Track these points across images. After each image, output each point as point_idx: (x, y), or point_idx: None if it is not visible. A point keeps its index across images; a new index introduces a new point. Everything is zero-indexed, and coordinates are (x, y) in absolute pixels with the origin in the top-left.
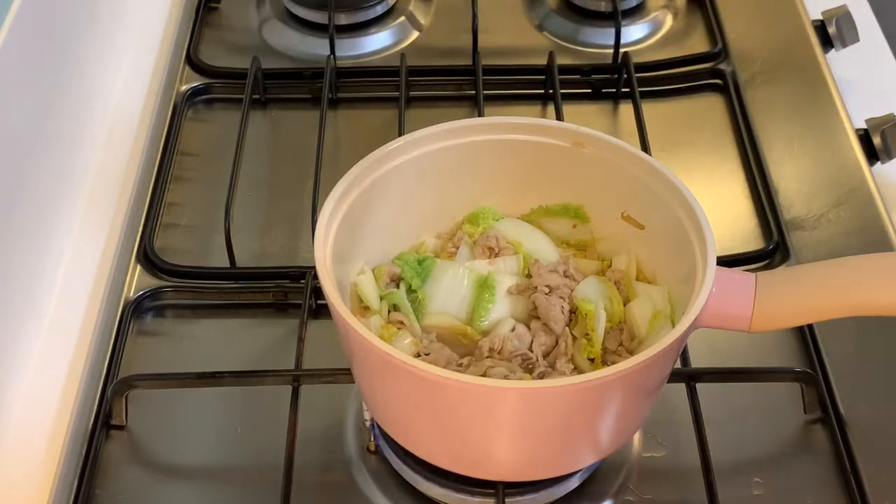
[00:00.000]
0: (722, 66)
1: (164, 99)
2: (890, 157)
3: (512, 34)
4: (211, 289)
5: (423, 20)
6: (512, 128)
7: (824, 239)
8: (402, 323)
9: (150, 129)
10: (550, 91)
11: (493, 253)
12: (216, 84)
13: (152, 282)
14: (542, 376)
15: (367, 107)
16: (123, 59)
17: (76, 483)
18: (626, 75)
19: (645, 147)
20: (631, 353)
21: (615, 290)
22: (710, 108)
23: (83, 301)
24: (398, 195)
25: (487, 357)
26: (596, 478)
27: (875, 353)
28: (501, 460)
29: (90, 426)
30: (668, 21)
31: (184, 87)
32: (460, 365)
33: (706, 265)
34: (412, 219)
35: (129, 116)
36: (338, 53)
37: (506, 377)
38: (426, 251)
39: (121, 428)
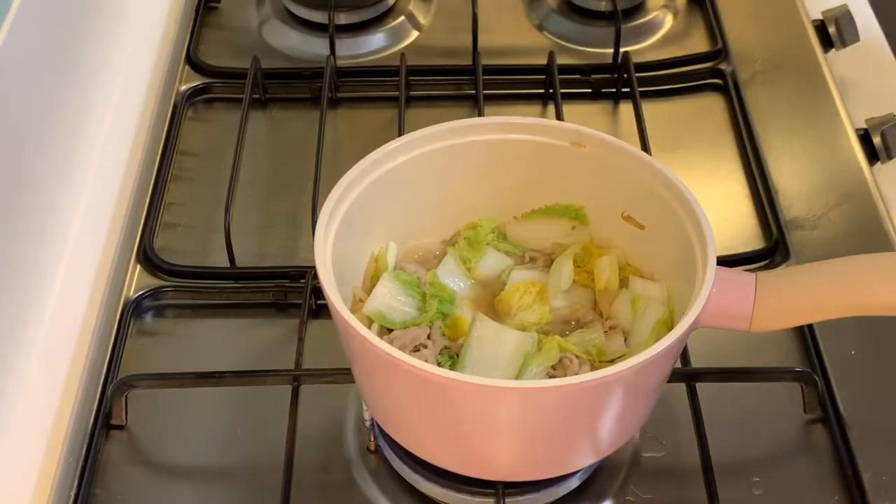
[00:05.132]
0: (722, 66)
1: (164, 99)
2: (890, 157)
3: (512, 34)
4: (211, 289)
5: (423, 20)
6: (512, 128)
7: (824, 239)
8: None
9: (150, 129)
10: (550, 91)
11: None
12: (216, 84)
13: (152, 282)
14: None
15: (367, 107)
16: (123, 59)
17: (76, 483)
18: (626, 75)
19: (645, 147)
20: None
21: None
22: (710, 108)
23: (83, 301)
24: (398, 195)
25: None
26: (596, 478)
27: (875, 353)
28: (501, 460)
29: (90, 426)
30: (668, 21)
31: (184, 87)
32: None
33: (706, 265)
34: (412, 219)
35: (129, 116)
36: (338, 53)
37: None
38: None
39: (121, 428)
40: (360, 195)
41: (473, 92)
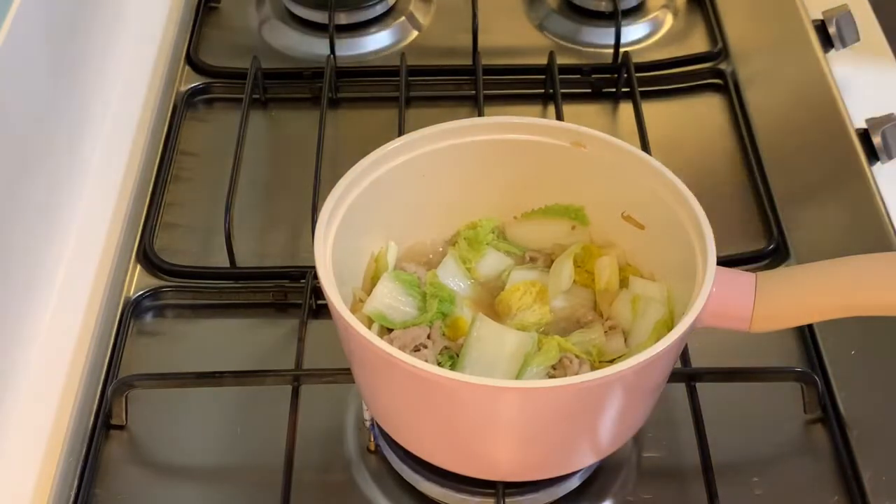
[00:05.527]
0: (722, 66)
1: (164, 99)
2: (890, 157)
3: (512, 34)
4: (211, 289)
5: (423, 20)
6: (512, 128)
7: (824, 239)
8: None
9: (150, 129)
10: (550, 91)
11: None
12: (216, 84)
13: (152, 282)
14: None
15: (367, 107)
16: (123, 59)
17: (76, 483)
18: (626, 75)
19: (645, 147)
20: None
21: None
22: (710, 108)
23: (83, 301)
24: (398, 195)
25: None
26: (596, 478)
27: (875, 353)
28: (501, 460)
29: (90, 426)
30: (668, 21)
31: (184, 87)
32: None
33: (706, 265)
34: (412, 219)
35: (129, 116)
36: (338, 53)
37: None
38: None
39: (121, 428)
40: (360, 195)
41: (473, 92)
